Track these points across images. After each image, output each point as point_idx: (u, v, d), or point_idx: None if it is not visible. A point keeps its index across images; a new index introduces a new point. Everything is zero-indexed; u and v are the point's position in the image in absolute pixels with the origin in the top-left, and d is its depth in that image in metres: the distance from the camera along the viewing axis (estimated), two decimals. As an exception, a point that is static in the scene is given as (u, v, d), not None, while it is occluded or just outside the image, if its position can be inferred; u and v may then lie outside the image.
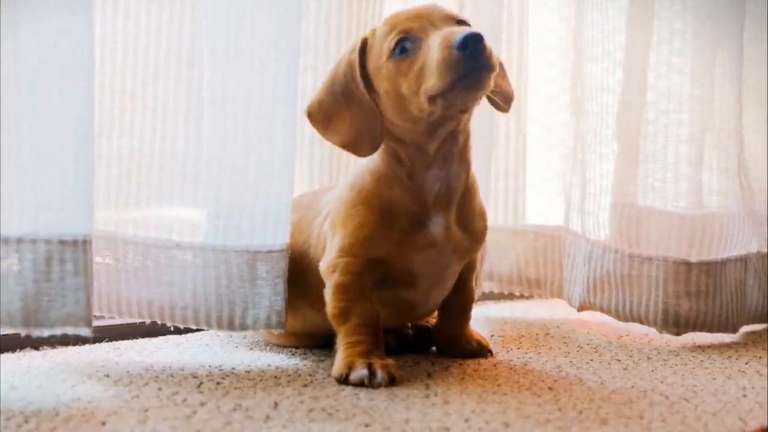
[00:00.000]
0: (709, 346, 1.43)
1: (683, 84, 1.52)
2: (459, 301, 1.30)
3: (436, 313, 1.32)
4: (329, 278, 1.18)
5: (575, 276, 1.57)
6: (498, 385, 1.13)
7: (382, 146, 1.19)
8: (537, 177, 1.75)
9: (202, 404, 1.02)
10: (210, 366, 1.21)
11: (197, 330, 1.38)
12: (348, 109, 1.17)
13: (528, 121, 1.71)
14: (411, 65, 1.11)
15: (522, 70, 1.68)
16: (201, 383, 1.11)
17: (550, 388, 1.12)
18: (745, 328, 1.55)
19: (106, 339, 1.36)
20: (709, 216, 1.53)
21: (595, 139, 1.55)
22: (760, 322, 1.57)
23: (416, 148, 1.17)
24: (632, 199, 1.55)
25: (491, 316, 1.67)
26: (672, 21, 1.53)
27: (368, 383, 1.10)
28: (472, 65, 1.06)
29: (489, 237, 1.31)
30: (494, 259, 1.69)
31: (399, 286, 1.21)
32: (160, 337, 1.39)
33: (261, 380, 1.14)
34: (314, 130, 1.21)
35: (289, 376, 1.17)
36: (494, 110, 1.25)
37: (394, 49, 1.12)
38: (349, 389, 1.10)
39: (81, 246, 1.07)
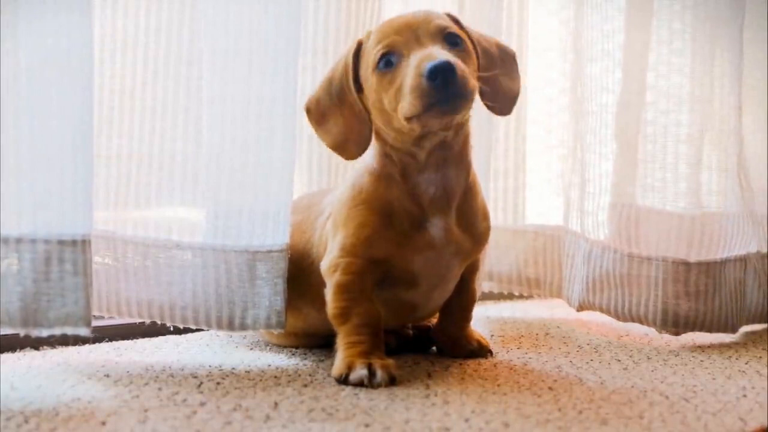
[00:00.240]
0: (709, 346, 1.43)
1: (682, 84, 1.52)
2: (460, 302, 1.30)
3: (437, 313, 1.32)
4: (330, 278, 1.18)
5: (574, 276, 1.57)
6: (498, 385, 1.13)
7: (377, 147, 1.19)
8: (537, 177, 1.75)
9: (202, 404, 1.02)
10: (210, 366, 1.21)
11: (197, 330, 1.38)
12: (340, 110, 1.18)
13: (528, 122, 1.71)
14: (392, 81, 1.11)
15: (522, 71, 1.67)
16: (201, 383, 1.11)
17: (550, 388, 1.12)
18: (745, 328, 1.55)
19: (106, 339, 1.36)
20: (708, 216, 1.53)
21: (595, 139, 1.55)
22: (760, 322, 1.57)
23: (406, 153, 1.17)
24: (631, 199, 1.54)
25: (491, 316, 1.67)
26: (671, 21, 1.53)
27: (368, 383, 1.10)
28: (443, 94, 1.06)
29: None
30: (494, 259, 1.69)
31: (400, 286, 1.21)
32: (160, 337, 1.39)
33: (261, 380, 1.14)
34: (312, 128, 1.22)
35: (289, 376, 1.17)
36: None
37: (378, 62, 1.13)
38: (349, 389, 1.10)
39: (80, 246, 1.07)
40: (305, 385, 1.12)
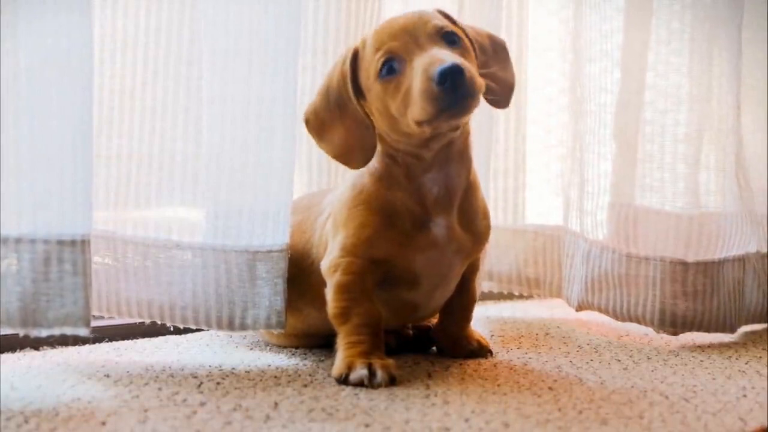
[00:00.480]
0: (709, 346, 1.43)
1: (681, 83, 1.52)
2: (461, 302, 1.30)
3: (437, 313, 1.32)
4: (330, 278, 1.18)
5: (574, 275, 1.57)
6: (498, 385, 1.13)
7: (379, 148, 1.19)
8: (536, 177, 1.75)
9: (202, 404, 1.02)
10: (210, 366, 1.21)
11: (197, 330, 1.38)
12: (341, 119, 1.17)
13: (527, 122, 1.71)
14: (397, 88, 1.11)
15: (521, 71, 1.68)
16: (201, 383, 1.11)
17: (550, 388, 1.12)
18: (745, 328, 1.55)
19: (106, 339, 1.36)
20: (706, 216, 1.53)
21: (594, 139, 1.55)
22: (759, 322, 1.57)
23: (412, 155, 1.17)
24: (630, 198, 1.54)
25: (491, 316, 1.67)
26: (670, 21, 1.53)
27: (368, 383, 1.10)
28: (453, 97, 1.06)
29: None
30: (493, 259, 1.69)
31: (401, 286, 1.20)
32: (160, 337, 1.39)
33: (261, 380, 1.14)
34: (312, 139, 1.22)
35: (289, 376, 1.17)
36: (493, 110, 1.25)
37: (381, 70, 1.12)
38: (349, 389, 1.10)
39: (79, 246, 1.07)
40: (305, 385, 1.12)
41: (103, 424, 0.93)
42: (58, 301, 1.06)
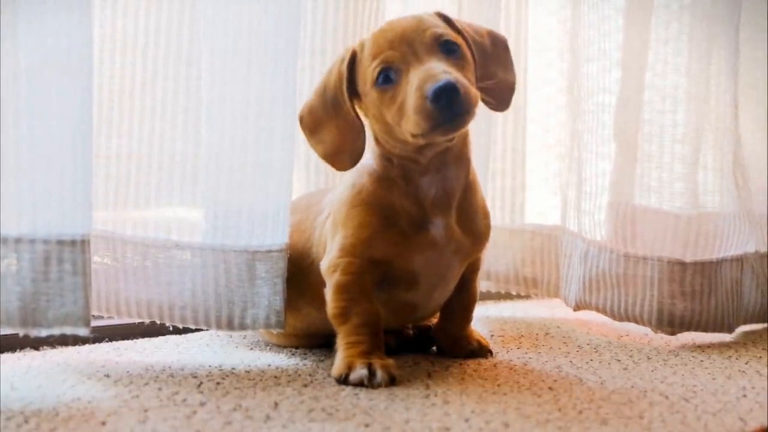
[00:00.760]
0: (708, 346, 1.43)
1: (679, 83, 1.52)
2: (461, 302, 1.29)
3: (437, 312, 1.32)
4: (330, 278, 1.18)
5: (571, 275, 1.57)
6: (498, 385, 1.13)
7: (377, 150, 1.19)
8: (535, 176, 1.75)
9: (202, 404, 1.02)
10: (210, 366, 1.21)
11: (197, 330, 1.38)
12: (335, 120, 1.17)
13: (527, 121, 1.71)
14: (393, 98, 1.11)
15: (520, 70, 1.67)
16: (201, 383, 1.11)
17: (550, 388, 1.12)
18: (743, 328, 1.55)
19: (106, 339, 1.36)
20: (704, 216, 1.53)
21: (592, 138, 1.55)
22: (758, 321, 1.57)
23: (408, 159, 1.17)
24: (629, 198, 1.54)
25: (491, 316, 1.67)
26: (669, 21, 1.53)
27: (368, 383, 1.10)
28: (448, 114, 1.06)
29: (486, 236, 1.31)
30: (491, 258, 1.69)
31: (400, 287, 1.20)
32: (160, 337, 1.39)
33: (261, 380, 1.14)
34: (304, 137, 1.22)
35: (289, 376, 1.17)
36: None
37: (377, 78, 1.12)
38: (349, 389, 1.10)
39: (79, 246, 1.07)
40: (305, 385, 1.12)
41: (103, 424, 0.93)
42: (58, 301, 1.06)
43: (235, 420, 0.96)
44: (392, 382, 1.12)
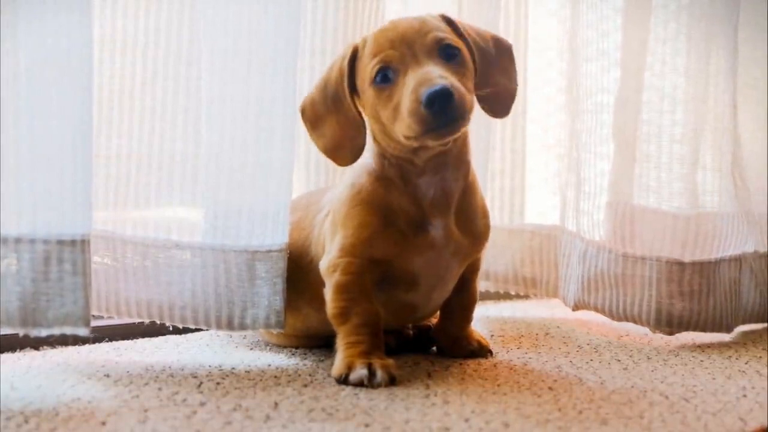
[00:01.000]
0: (708, 346, 1.43)
1: (679, 83, 1.52)
2: (461, 302, 1.29)
3: (437, 312, 1.32)
4: (329, 278, 1.18)
5: (570, 275, 1.57)
6: (498, 385, 1.13)
7: (375, 149, 1.19)
8: (534, 176, 1.75)
9: (202, 404, 1.02)
10: (210, 366, 1.21)
11: (197, 330, 1.38)
12: (335, 115, 1.18)
13: (527, 121, 1.71)
14: (389, 97, 1.11)
15: (520, 70, 1.67)
16: (201, 383, 1.11)
17: (550, 388, 1.12)
18: (742, 328, 1.55)
19: (106, 339, 1.36)
20: (703, 216, 1.53)
21: (591, 138, 1.55)
22: (757, 321, 1.57)
23: (404, 159, 1.18)
24: (627, 198, 1.54)
25: (491, 316, 1.67)
26: (667, 21, 1.53)
27: (368, 383, 1.10)
28: (441, 120, 1.06)
29: (485, 236, 1.31)
30: (490, 258, 1.69)
31: (399, 287, 1.20)
32: (160, 337, 1.39)
33: (261, 380, 1.14)
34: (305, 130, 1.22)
35: (289, 376, 1.17)
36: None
37: (375, 77, 1.12)
38: (349, 389, 1.10)
39: (79, 246, 1.07)
40: (305, 385, 1.12)
41: (103, 424, 0.93)
42: (57, 301, 1.06)
43: (235, 420, 0.96)
44: (392, 382, 1.12)
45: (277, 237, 1.24)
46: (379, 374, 1.11)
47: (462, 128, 1.11)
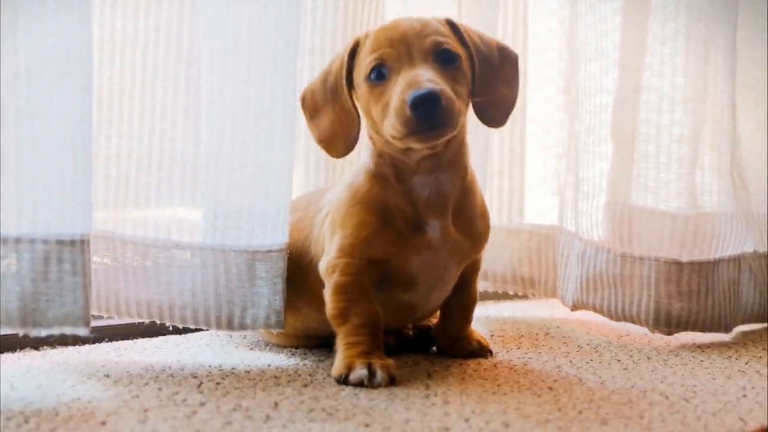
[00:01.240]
0: (708, 346, 1.43)
1: (677, 83, 1.52)
2: (461, 302, 1.30)
3: (437, 312, 1.32)
4: (329, 279, 1.18)
5: (569, 275, 1.57)
6: (498, 385, 1.13)
7: (371, 146, 1.19)
8: (533, 176, 1.75)
9: (202, 404, 1.02)
10: (210, 366, 1.21)
11: (197, 330, 1.38)
12: (332, 105, 1.19)
13: (526, 121, 1.71)
14: (381, 94, 1.12)
15: (520, 71, 1.67)
16: (201, 383, 1.11)
17: (550, 388, 1.12)
18: (742, 328, 1.55)
19: (106, 339, 1.36)
20: (701, 216, 1.53)
21: (590, 138, 1.55)
22: (756, 321, 1.57)
23: (398, 157, 1.18)
24: (626, 198, 1.54)
25: (491, 316, 1.67)
26: (666, 21, 1.53)
27: (368, 383, 1.10)
28: (426, 123, 1.07)
29: (484, 236, 1.31)
30: (489, 258, 1.69)
31: (398, 288, 1.20)
32: (160, 337, 1.39)
33: (261, 380, 1.14)
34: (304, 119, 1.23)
35: (289, 376, 1.17)
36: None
37: (370, 73, 1.13)
38: (349, 389, 1.10)
39: (79, 246, 1.07)
40: (305, 385, 1.12)
41: (103, 424, 0.93)
42: (57, 301, 1.06)
43: (235, 420, 0.96)
44: (392, 382, 1.12)
45: (277, 237, 1.24)
46: (379, 374, 1.11)
47: (448, 134, 1.11)
